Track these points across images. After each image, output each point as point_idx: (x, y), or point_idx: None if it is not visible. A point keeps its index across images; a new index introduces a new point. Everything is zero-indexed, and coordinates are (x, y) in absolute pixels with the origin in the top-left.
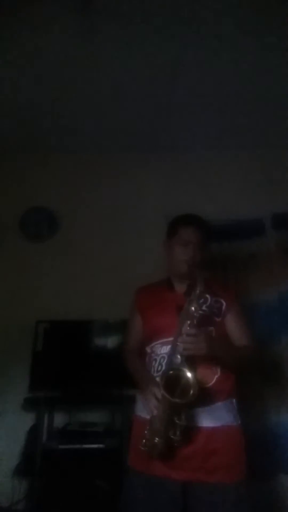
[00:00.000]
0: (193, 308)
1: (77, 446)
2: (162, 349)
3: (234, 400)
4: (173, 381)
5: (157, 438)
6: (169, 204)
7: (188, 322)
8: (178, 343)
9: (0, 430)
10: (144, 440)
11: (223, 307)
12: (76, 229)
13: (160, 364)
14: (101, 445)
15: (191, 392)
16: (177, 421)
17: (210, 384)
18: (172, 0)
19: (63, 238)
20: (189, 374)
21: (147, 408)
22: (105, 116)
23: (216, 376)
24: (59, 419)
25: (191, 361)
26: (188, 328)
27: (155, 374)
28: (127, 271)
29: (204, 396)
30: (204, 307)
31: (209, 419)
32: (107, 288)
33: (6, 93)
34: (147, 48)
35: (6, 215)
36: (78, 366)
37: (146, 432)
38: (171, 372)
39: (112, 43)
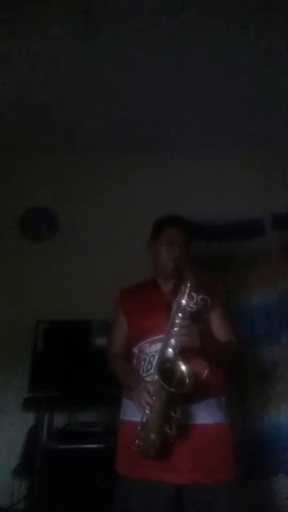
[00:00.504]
0: (184, 301)
1: (77, 446)
2: (151, 348)
3: (223, 398)
4: (167, 374)
5: (153, 435)
6: (168, 204)
7: (180, 315)
8: (171, 336)
9: (0, 430)
10: (137, 441)
11: (209, 304)
12: (76, 229)
13: (149, 363)
14: (101, 445)
15: (187, 382)
16: (173, 415)
17: (201, 379)
18: (172, 0)
19: (63, 238)
20: (184, 366)
21: (139, 406)
22: (105, 116)
23: (206, 371)
24: (59, 419)
25: (184, 354)
26: (181, 320)
27: (144, 374)
28: (127, 271)
29: (197, 391)
30: (191, 304)
31: (200, 416)
32: (107, 288)
33: (6, 93)
34: (147, 48)
35: (6, 215)
36: (78, 366)
37: (138, 432)
38: (167, 364)
39: (112, 43)
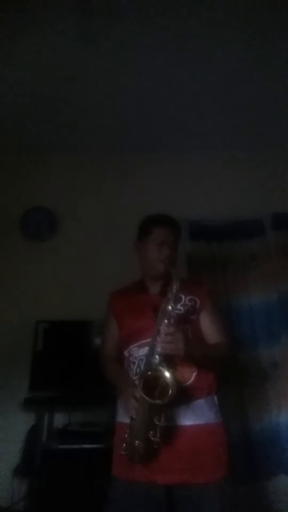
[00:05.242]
0: (170, 307)
1: (77, 446)
2: (140, 352)
3: (215, 397)
4: (151, 382)
5: (137, 441)
6: (168, 204)
7: (166, 321)
8: (157, 343)
9: (0, 430)
10: (124, 444)
11: (197, 305)
12: (76, 229)
13: (138, 366)
14: (101, 445)
15: (170, 392)
16: (157, 422)
17: (189, 382)
18: (172, 0)
19: (63, 238)
20: (167, 374)
21: (126, 410)
22: (105, 116)
23: (194, 374)
24: (59, 419)
25: (169, 361)
26: (166, 327)
27: (134, 377)
28: (127, 271)
29: (183, 394)
30: (179, 306)
31: (190, 417)
32: (107, 288)
33: (6, 93)
34: (147, 48)
35: (6, 215)
36: (78, 366)
37: (126, 436)
38: (149, 373)
39: (112, 43)
